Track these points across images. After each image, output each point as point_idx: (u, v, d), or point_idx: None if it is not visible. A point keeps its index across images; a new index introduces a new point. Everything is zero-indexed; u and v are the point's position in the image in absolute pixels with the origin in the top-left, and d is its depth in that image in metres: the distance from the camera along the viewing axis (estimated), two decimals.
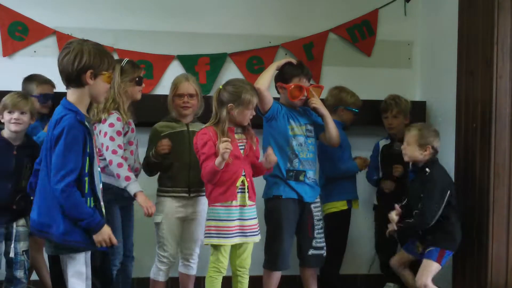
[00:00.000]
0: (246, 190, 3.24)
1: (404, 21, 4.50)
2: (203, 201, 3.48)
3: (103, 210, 2.64)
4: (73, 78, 2.52)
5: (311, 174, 3.58)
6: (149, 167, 3.53)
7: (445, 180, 3.50)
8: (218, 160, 3.09)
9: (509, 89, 3.43)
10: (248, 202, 3.24)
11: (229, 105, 3.20)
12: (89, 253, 2.59)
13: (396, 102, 4.07)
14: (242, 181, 3.22)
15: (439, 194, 3.44)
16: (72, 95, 2.56)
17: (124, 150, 3.28)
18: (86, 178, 2.52)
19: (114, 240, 2.56)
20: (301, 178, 3.53)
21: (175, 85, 3.58)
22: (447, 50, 3.99)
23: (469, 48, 3.67)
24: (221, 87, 3.28)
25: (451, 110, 3.89)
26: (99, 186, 2.61)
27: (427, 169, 3.49)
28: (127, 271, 3.52)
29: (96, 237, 2.51)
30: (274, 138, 3.53)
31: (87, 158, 2.52)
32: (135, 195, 3.15)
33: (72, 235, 2.50)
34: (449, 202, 3.45)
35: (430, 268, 3.44)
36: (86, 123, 2.54)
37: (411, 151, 3.54)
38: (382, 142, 4.20)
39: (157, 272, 3.53)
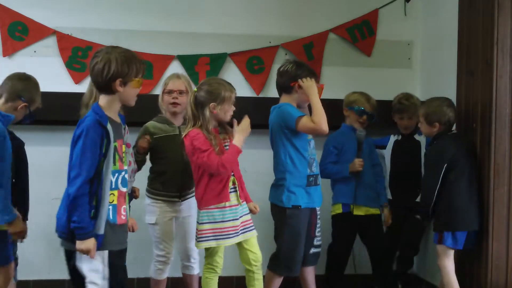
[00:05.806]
0: (237, 189, 3.26)
1: (404, 21, 4.50)
2: (193, 200, 3.47)
3: (107, 213, 2.63)
4: (103, 86, 2.63)
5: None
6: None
7: (444, 153, 3.43)
8: (239, 140, 3.14)
9: (509, 89, 3.43)
10: (240, 200, 3.26)
11: (211, 104, 3.18)
12: (106, 252, 2.63)
13: (413, 103, 4.00)
14: (233, 181, 3.24)
15: (434, 168, 3.44)
16: (102, 99, 2.68)
17: (125, 153, 3.26)
18: (96, 179, 2.59)
19: (92, 255, 2.58)
20: (318, 182, 3.52)
21: (166, 82, 3.60)
22: (447, 50, 3.99)
23: (469, 48, 3.66)
24: (195, 90, 3.24)
25: None
26: (108, 189, 2.62)
27: (435, 142, 3.54)
28: None
29: (78, 244, 2.56)
30: (292, 144, 3.44)
31: (102, 159, 2.59)
32: None
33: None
34: (450, 180, 3.39)
35: (439, 252, 3.48)
36: (109, 126, 2.61)
37: (423, 128, 3.61)
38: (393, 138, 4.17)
39: (157, 271, 3.56)
